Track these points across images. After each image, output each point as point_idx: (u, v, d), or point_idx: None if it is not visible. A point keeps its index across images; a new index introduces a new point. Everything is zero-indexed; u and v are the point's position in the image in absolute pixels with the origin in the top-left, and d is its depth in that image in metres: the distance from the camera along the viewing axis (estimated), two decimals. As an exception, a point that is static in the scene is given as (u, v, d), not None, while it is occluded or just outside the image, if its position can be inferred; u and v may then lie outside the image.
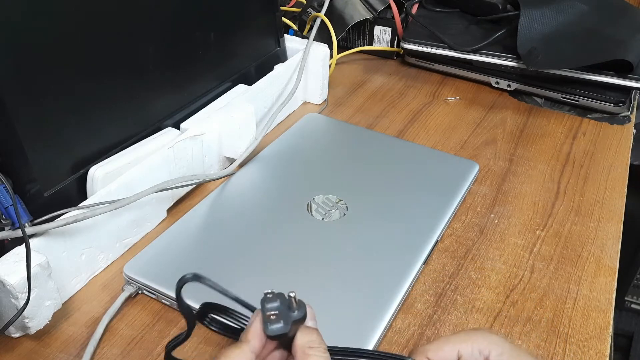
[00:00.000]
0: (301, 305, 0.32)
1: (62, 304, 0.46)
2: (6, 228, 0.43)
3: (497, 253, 0.54)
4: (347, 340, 0.42)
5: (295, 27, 0.84)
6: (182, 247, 0.51)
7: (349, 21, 0.83)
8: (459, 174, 0.61)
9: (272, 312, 0.31)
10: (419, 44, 0.81)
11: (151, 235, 0.54)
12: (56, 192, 0.48)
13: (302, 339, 0.32)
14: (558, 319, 0.48)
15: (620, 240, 0.56)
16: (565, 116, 0.75)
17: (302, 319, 0.32)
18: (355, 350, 0.36)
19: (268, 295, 0.32)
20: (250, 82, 0.66)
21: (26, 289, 0.41)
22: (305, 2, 0.86)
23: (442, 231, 0.54)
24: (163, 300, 0.47)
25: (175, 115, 0.60)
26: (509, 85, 0.79)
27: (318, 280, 0.48)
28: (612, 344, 0.54)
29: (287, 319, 0.31)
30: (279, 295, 0.32)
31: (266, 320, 0.31)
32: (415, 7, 0.86)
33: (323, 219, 0.54)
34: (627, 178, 0.65)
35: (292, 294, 0.31)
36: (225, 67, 0.66)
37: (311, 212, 0.55)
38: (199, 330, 0.46)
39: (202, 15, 0.61)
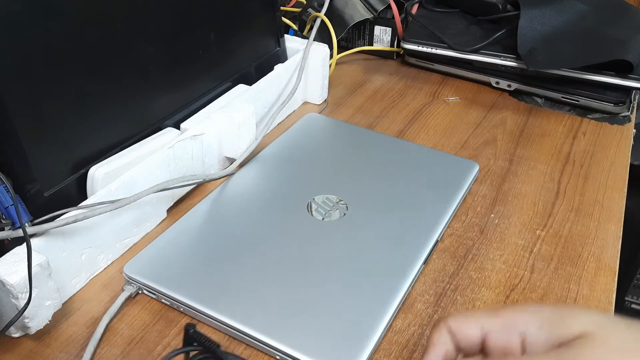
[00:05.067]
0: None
1: (62, 304, 0.46)
2: (6, 228, 0.43)
3: (497, 253, 0.54)
4: (347, 340, 0.43)
5: (295, 27, 0.84)
6: (182, 247, 0.51)
7: (349, 21, 0.83)
8: (459, 174, 0.61)
9: None
10: (419, 44, 0.81)
11: (151, 235, 0.54)
12: (56, 192, 0.48)
13: None
14: (558, 318, 0.48)
15: (620, 240, 0.56)
16: (565, 116, 0.75)
17: None
18: None
19: None
20: (250, 82, 0.66)
21: (27, 289, 0.41)
22: (305, 2, 0.86)
23: (442, 231, 0.54)
24: (163, 300, 0.47)
25: (175, 115, 0.60)
26: (509, 85, 0.79)
27: (318, 280, 0.48)
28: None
29: None
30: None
31: None
32: (415, 7, 0.86)
33: (323, 219, 0.54)
34: (627, 178, 0.65)
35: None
36: (225, 67, 0.66)
37: (311, 212, 0.55)
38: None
39: (202, 15, 0.61)
